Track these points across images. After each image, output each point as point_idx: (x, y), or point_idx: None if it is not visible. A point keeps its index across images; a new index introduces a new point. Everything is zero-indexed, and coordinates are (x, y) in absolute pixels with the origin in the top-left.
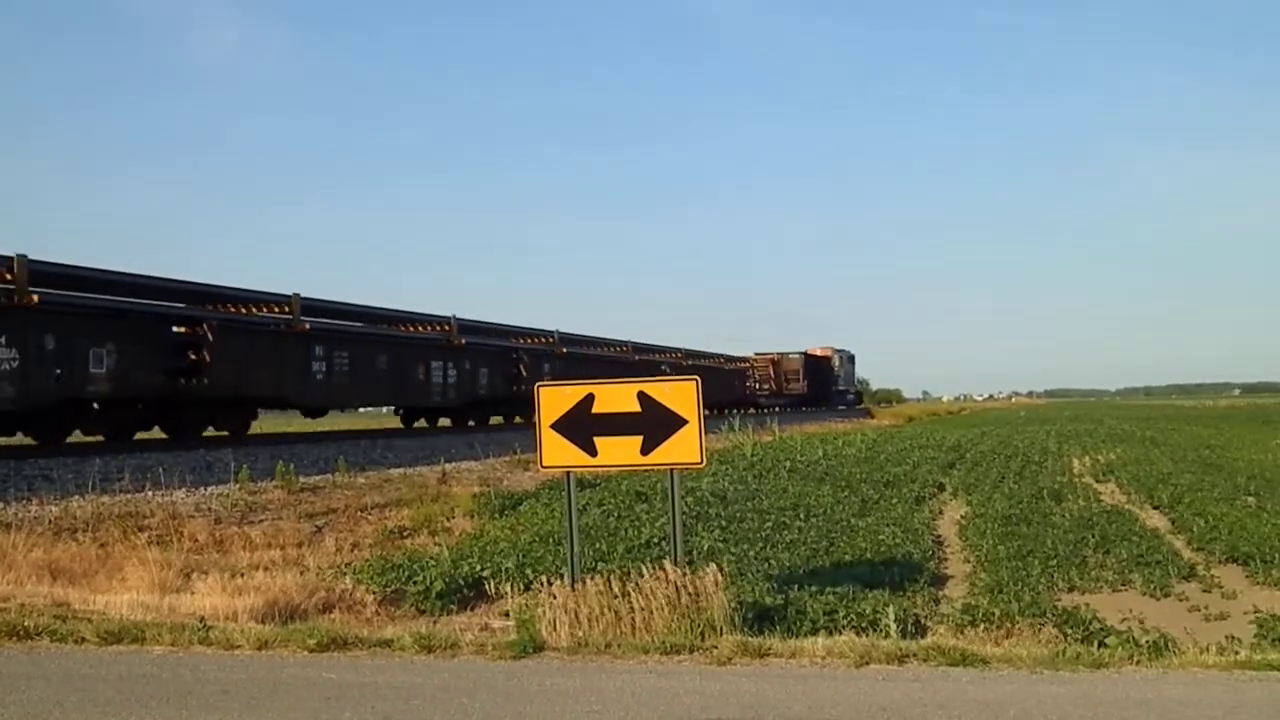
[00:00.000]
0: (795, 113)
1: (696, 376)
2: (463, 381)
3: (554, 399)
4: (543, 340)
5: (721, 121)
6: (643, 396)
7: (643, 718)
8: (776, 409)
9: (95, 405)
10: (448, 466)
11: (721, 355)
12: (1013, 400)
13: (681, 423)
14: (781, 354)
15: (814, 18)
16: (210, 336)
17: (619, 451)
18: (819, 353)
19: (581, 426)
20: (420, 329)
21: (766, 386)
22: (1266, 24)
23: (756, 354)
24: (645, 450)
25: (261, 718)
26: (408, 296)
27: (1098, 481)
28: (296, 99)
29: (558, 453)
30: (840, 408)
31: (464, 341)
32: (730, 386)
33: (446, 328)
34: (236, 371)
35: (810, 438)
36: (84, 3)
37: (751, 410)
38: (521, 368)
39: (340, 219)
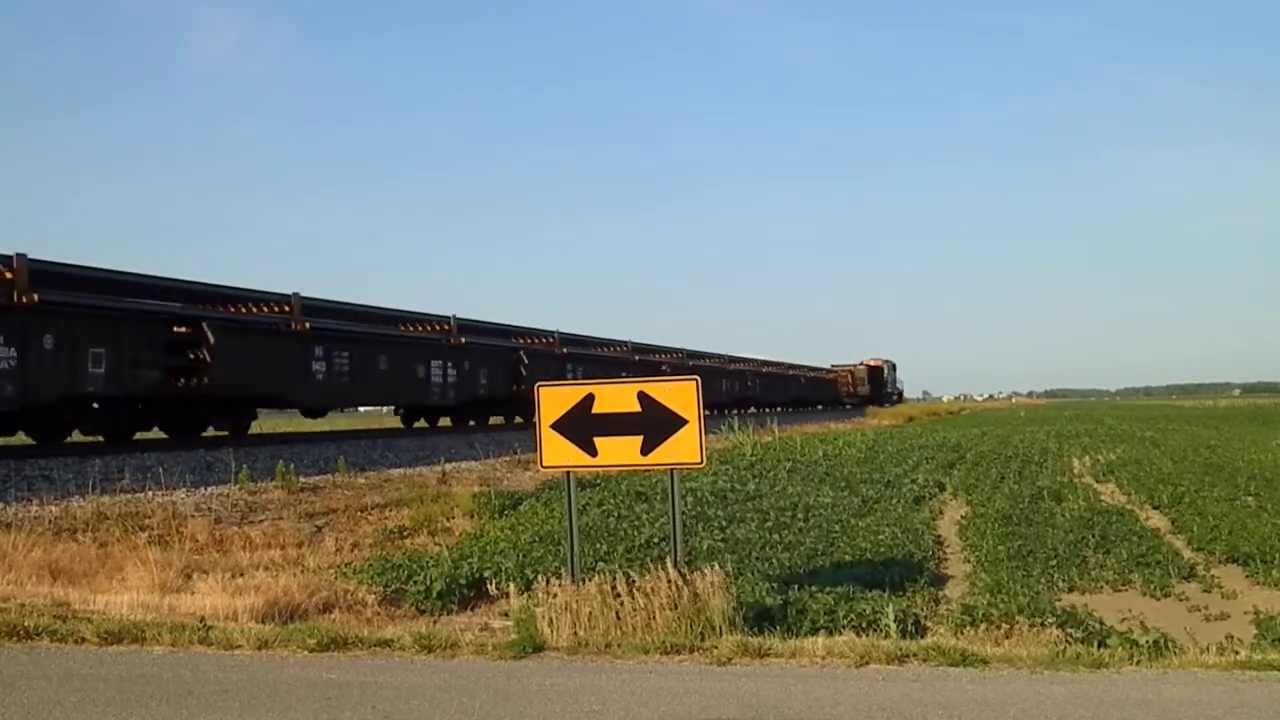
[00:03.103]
0: (786, 115)
1: (696, 376)
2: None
3: (554, 399)
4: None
5: (716, 122)
6: (643, 396)
7: (643, 718)
8: (848, 405)
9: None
10: (448, 466)
11: (823, 368)
12: (1013, 400)
13: (682, 423)
14: (853, 365)
15: (815, 18)
16: None
17: (619, 451)
18: (873, 363)
19: (581, 426)
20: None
21: (845, 389)
22: (1267, 24)
23: (834, 365)
24: (645, 450)
25: (261, 718)
26: (412, 295)
27: (1098, 482)
28: (294, 99)
29: (558, 453)
30: (886, 404)
31: (464, 340)
32: (828, 389)
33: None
34: None
35: (810, 438)
36: (84, 3)
37: (837, 407)
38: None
39: (338, 217)
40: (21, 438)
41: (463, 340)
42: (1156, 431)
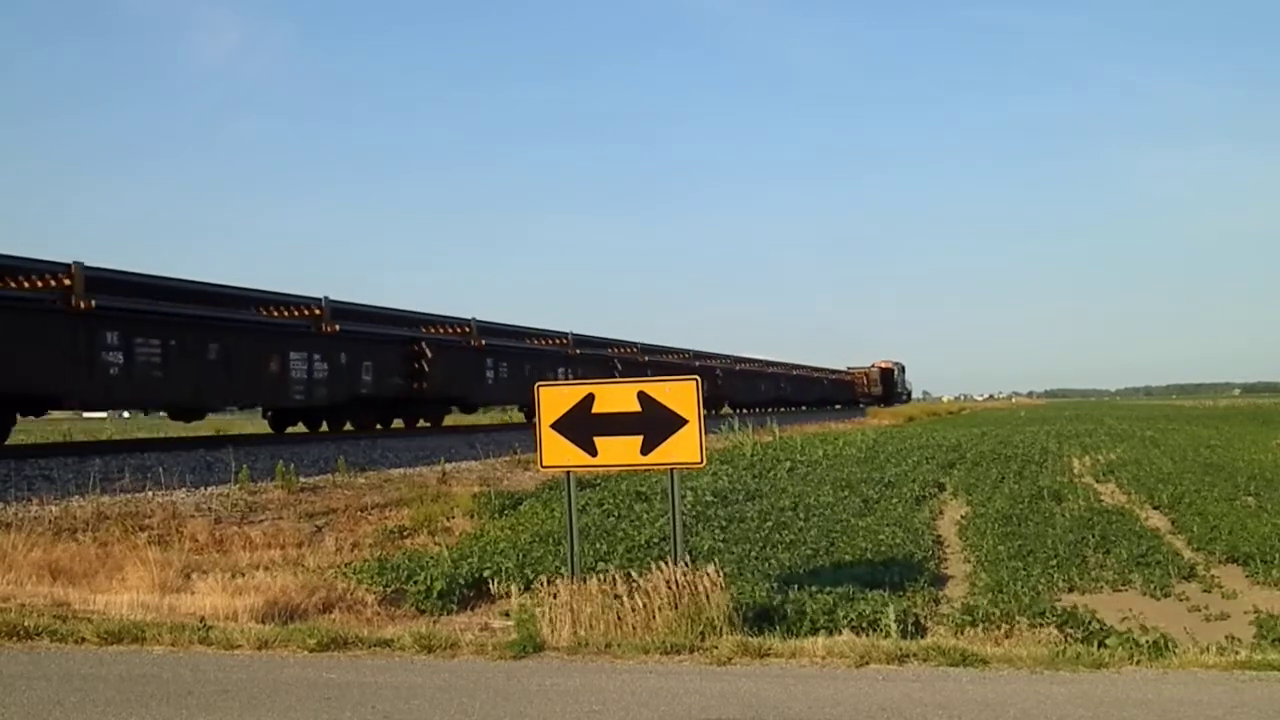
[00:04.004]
0: (786, 115)
1: (696, 376)
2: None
3: (554, 399)
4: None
5: (716, 122)
6: (643, 396)
7: (643, 718)
8: (862, 405)
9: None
10: (448, 466)
11: (842, 370)
12: (1013, 400)
13: (682, 422)
14: (867, 368)
15: (815, 18)
16: None
17: (619, 451)
18: (885, 365)
19: (582, 426)
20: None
21: (860, 390)
22: (1267, 24)
23: (850, 367)
24: (645, 450)
25: (261, 718)
26: (422, 296)
27: (1098, 481)
28: (294, 99)
29: (558, 452)
30: (896, 404)
31: (577, 351)
32: (846, 390)
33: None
34: None
35: (810, 438)
36: (84, 3)
37: (851, 405)
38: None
39: (338, 217)
40: (21, 438)
41: (577, 351)
42: (1156, 431)
